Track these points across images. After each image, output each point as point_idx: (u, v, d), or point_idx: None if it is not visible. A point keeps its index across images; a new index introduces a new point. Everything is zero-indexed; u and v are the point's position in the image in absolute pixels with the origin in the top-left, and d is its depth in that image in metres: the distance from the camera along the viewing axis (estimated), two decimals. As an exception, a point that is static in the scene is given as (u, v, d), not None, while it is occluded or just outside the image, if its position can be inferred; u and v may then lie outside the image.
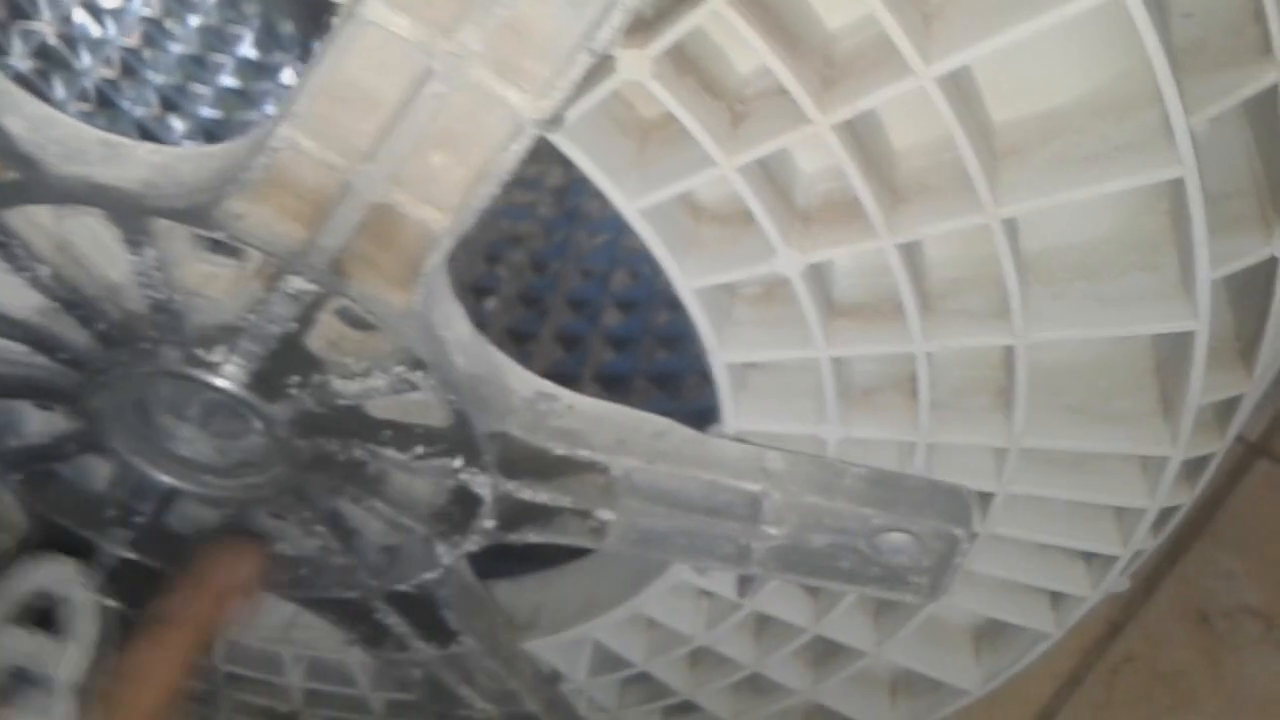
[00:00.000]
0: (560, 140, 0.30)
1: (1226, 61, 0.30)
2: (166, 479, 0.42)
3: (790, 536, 0.38)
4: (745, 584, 0.43)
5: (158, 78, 0.57)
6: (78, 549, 0.47)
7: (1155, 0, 0.29)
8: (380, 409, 0.39)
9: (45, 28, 0.55)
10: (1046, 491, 0.38)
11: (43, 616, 0.36)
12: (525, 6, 0.26)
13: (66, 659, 0.33)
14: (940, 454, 0.38)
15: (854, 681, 0.49)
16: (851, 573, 0.40)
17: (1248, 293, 0.36)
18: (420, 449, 0.39)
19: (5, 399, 0.41)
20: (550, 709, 0.52)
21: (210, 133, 0.58)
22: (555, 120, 0.28)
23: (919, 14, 0.28)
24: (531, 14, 0.26)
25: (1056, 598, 0.44)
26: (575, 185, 0.40)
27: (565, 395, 0.38)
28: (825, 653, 0.48)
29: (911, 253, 0.33)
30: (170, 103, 0.57)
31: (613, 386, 0.42)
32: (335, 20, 0.27)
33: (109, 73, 0.57)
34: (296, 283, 0.33)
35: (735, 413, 0.37)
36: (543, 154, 0.30)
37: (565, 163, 0.31)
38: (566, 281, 0.41)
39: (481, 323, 0.36)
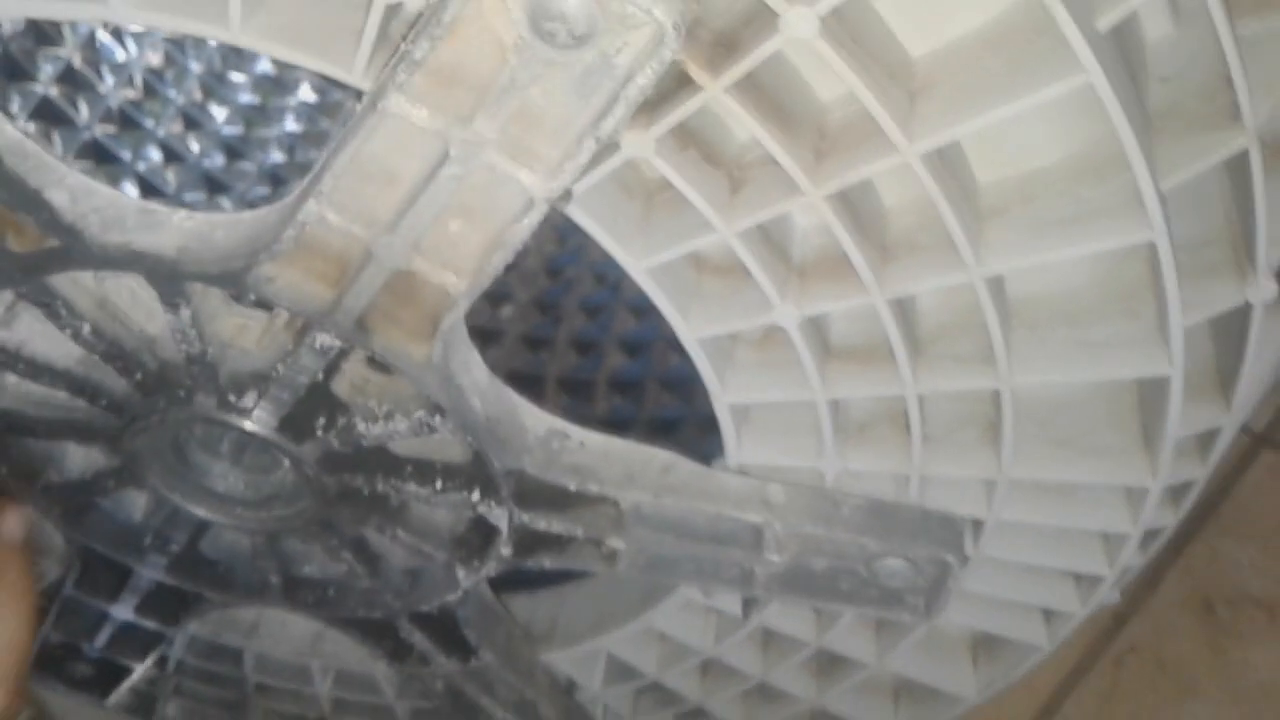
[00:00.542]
0: (570, 210, 0.32)
1: (1199, 126, 0.32)
2: (200, 512, 0.44)
3: (791, 562, 0.40)
4: (749, 605, 0.45)
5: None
6: (116, 574, 0.50)
7: (1128, 72, 0.31)
8: (403, 447, 0.41)
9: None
10: (1034, 518, 0.40)
11: None
12: (537, 97, 0.28)
13: None
14: (933, 484, 0.40)
15: (858, 690, 0.52)
16: (851, 594, 0.42)
17: (1228, 329, 0.38)
18: (440, 483, 0.41)
19: (49, 439, 0.43)
20: (567, 717, 0.54)
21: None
22: (565, 196, 0.31)
23: (904, 91, 0.30)
24: (542, 103, 0.28)
25: (1048, 614, 0.46)
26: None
27: (577, 433, 0.40)
28: (829, 664, 0.50)
29: (903, 303, 0.35)
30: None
31: (619, 422, 0.44)
32: (359, 108, 0.29)
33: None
34: (323, 339, 0.35)
35: (738, 447, 0.39)
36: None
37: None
38: (572, 323, 0.42)
39: (491, 365, 0.39)
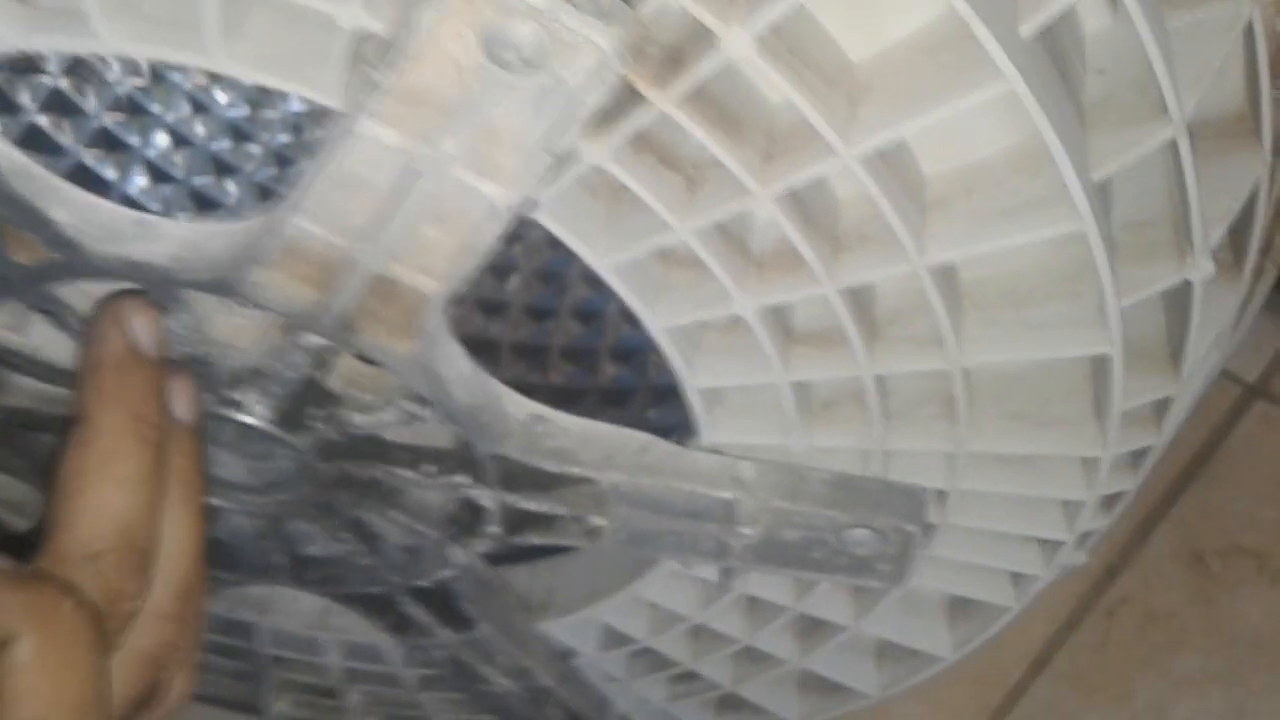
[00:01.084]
0: (536, 214, 0.34)
1: (1131, 118, 0.34)
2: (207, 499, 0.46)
3: (764, 534, 0.43)
4: (727, 575, 0.47)
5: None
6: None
7: (1060, 69, 0.33)
8: (395, 434, 0.43)
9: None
10: (994, 488, 0.43)
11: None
12: (496, 116, 0.30)
13: None
14: (896, 458, 0.42)
15: (840, 651, 0.54)
16: (823, 563, 0.44)
17: (1178, 302, 0.39)
18: (431, 468, 0.43)
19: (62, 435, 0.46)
20: (563, 681, 0.57)
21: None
22: (530, 203, 0.33)
23: (844, 96, 0.32)
24: (502, 121, 0.30)
25: (1015, 576, 0.48)
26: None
27: (558, 417, 0.42)
28: (810, 627, 0.53)
29: (857, 291, 0.37)
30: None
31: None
32: (335, 129, 0.31)
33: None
34: (310, 338, 0.38)
35: (710, 428, 0.42)
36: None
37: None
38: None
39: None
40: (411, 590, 0.51)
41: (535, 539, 0.46)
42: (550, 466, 0.42)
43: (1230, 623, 0.84)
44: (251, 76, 0.31)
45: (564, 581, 0.57)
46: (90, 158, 0.38)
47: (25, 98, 0.37)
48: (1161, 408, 0.43)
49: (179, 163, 0.38)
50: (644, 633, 0.55)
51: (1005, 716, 0.82)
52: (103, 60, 0.37)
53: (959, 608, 0.52)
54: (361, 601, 0.52)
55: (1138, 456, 0.45)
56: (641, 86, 0.30)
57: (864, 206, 0.36)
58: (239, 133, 0.39)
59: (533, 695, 0.58)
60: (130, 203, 0.38)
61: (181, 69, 0.37)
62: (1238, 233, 0.41)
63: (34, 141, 0.38)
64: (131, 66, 0.37)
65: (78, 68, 0.38)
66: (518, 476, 0.43)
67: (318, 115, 0.36)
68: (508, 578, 0.55)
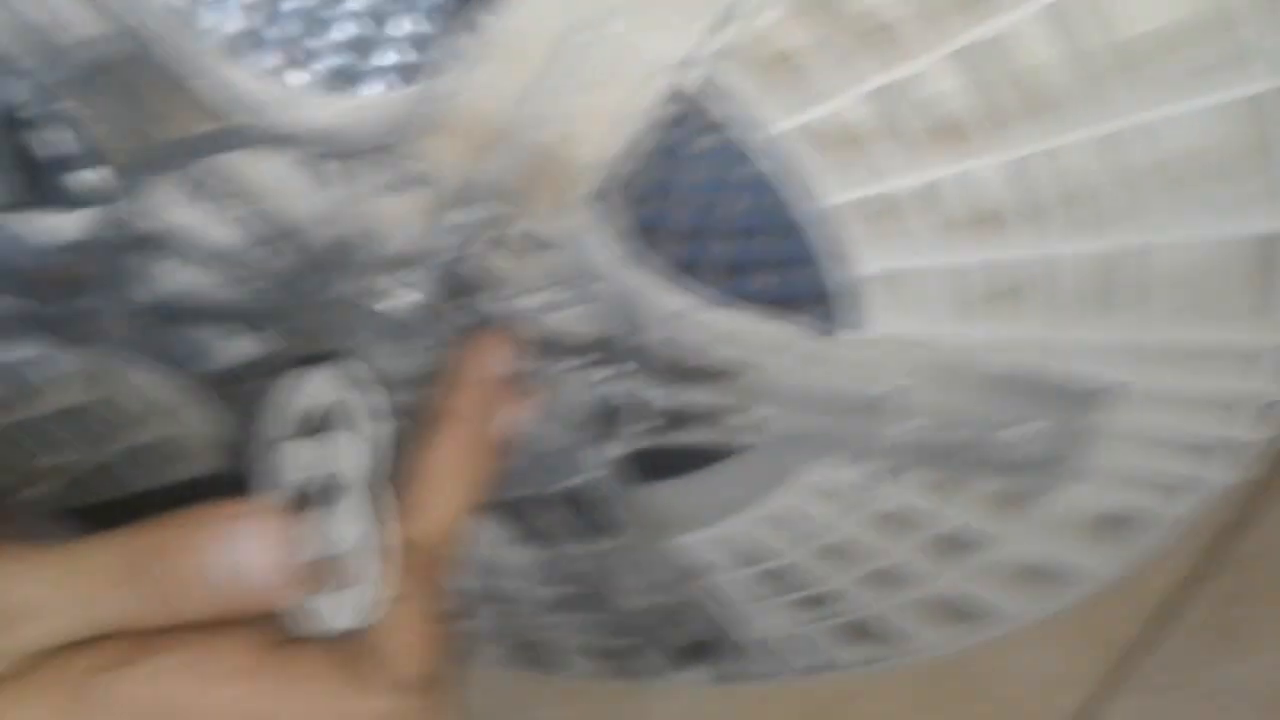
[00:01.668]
0: (695, 79, 0.33)
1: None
2: (352, 393, 0.46)
3: (920, 432, 0.41)
4: (877, 479, 0.46)
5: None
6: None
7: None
8: (540, 324, 0.43)
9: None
10: (1165, 384, 0.40)
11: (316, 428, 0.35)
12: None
13: (353, 459, 0.33)
14: (1063, 351, 0.40)
15: (980, 571, 0.52)
16: (979, 464, 0.43)
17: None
18: (574, 361, 0.43)
19: (205, 326, 0.46)
20: (701, 597, 0.56)
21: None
22: (691, 64, 0.32)
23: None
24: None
25: (1178, 487, 0.46)
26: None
27: (704, 310, 0.41)
28: (952, 544, 0.51)
29: (1029, 163, 0.35)
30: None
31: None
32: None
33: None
34: (467, 213, 0.37)
35: (869, 318, 0.40)
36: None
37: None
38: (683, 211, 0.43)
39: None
40: (553, 496, 0.50)
41: (681, 438, 0.45)
42: (698, 359, 0.41)
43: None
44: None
45: (695, 497, 0.56)
46: (246, 29, 0.38)
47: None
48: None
49: (333, 30, 0.38)
50: (780, 549, 0.54)
51: (1128, 666, 0.80)
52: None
53: (1110, 524, 0.50)
54: (499, 509, 0.52)
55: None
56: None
57: (1040, 71, 0.34)
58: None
59: (667, 613, 0.57)
60: (287, 73, 0.38)
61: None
62: None
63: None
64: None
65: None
66: (665, 368, 0.42)
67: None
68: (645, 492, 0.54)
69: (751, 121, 0.35)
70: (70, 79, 0.36)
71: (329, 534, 0.32)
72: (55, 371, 0.52)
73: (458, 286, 0.41)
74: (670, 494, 0.56)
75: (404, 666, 0.32)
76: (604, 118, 0.34)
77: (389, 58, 0.37)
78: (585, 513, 0.51)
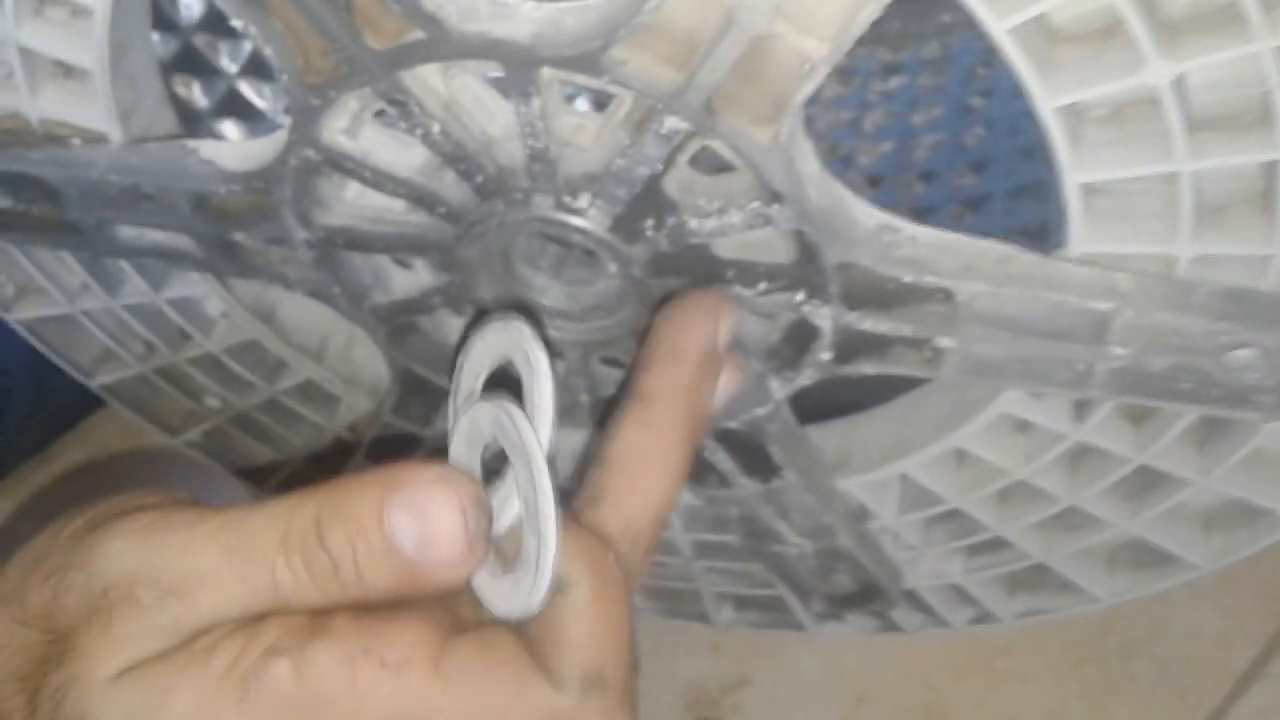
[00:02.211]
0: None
1: None
2: (525, 324, 0.45)
3: (1134, 357, 0.39)
4: (1082, 409, 0.44)
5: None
6: (432, 396, 0.52)
7: None
8: (725, 248, 0.41)
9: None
10: None
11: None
12: None
13: (537, 430, 0.28)
14: (1285, 269, 0.38)
15: (1170, 515, 0.50)
16: (1192, 393, 0.40)
17: None
18: (764, 285, 0.41)
19: (383, 254, 0.46)
20: (862, 543, 0.54)
21: None
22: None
23: None
24: None
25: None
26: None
27: (907, 226, 0.40)
28: (1144, 485, 0.49)
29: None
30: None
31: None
32: None
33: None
34: (671, 122, 0.36)
35: (1082, 235, 0.38)
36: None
37: None
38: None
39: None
40: (718, 433, 0.49)
41: (868, 368, 0.43)
42: (904, 276, 0.39)
43: None
44: None
45: (862, 438, 0.54)
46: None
47: None
48: None
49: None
50: (953, 492, 0.52)
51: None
52: None
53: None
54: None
55: None
56: None
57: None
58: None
59: (823, 560, 0.56)
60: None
61: None
62: None
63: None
64: None
65: None
66: (862, 291, 0.40)
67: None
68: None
69: (986, 11, 0.33)
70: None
71: (511, 506, 0.29)
72: (228, 306, 0.52)
73: (645, 207, 0.39)
74: (835, 434, 0.55)
75: (572, 664, 0.29)
76: (838, 7, 0.32)
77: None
78: (743, 453, 0.50)
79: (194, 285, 0.53)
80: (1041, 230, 0.38)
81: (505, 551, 0.29)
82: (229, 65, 0.69)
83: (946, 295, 0.39)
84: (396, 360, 0.50)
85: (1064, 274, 0.38)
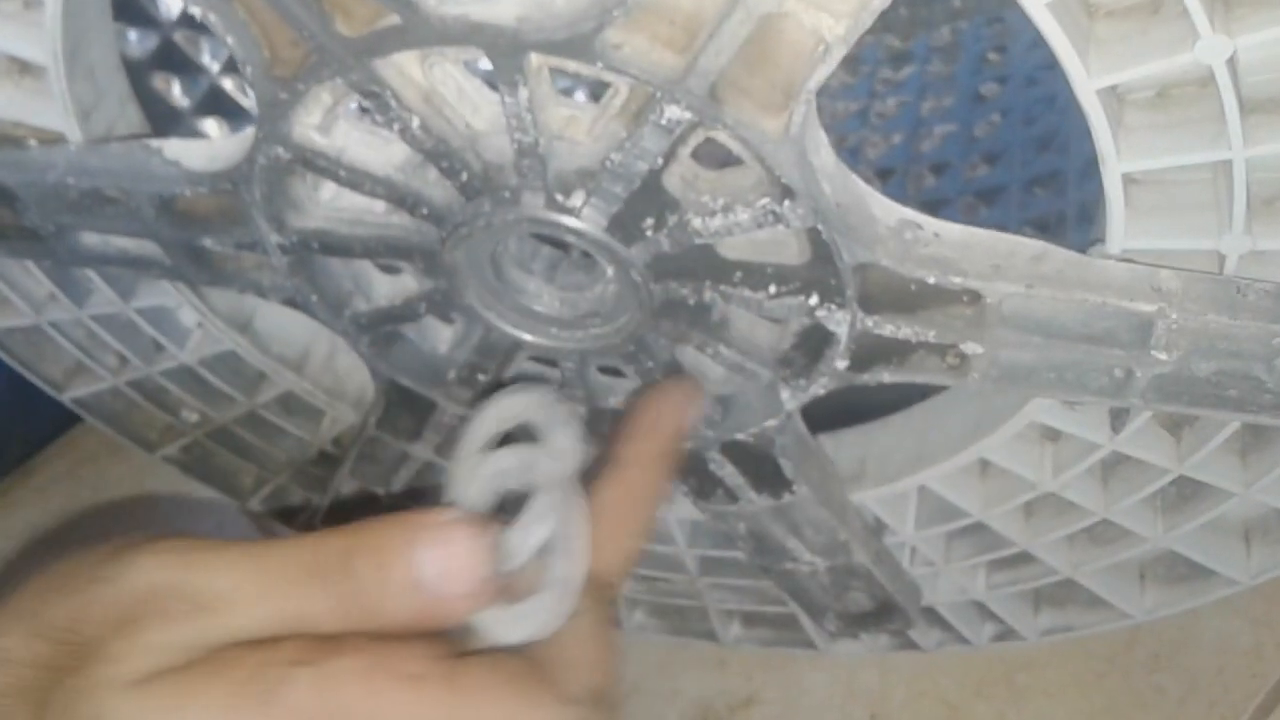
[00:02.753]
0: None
1: None
2: (517, 333, 0.42)
3: (1178, 363, 0.36)
4: (1119, 418, 0.41)
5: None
6: (420, 409, 0.49)
7: None
8: (731, 249, 0.38)
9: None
10: None
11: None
12: None
13: (547, 472, 0.33)
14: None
15: (1206, 528, 0.47)
16: (1240, 401, 0.37)
17: None
18: (774, 288, 0.38)
19: (364, 259, 0.42)
20: (878, 560, 0.51)
21: None
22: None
23: None
24: None
25: None
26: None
27: (930, 223, 0.36)
28: (1182, 496, 0.46)
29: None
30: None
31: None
32: None
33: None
34: (672, 111, 0.32)
35: (1122, 230, 0.35)
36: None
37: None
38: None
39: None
40: (725, 445, 0.45)
41: (887, 376, 0.40)
42: (928, 277, 0.36)
43: None
44: None
45: (878, 449, 0.51)
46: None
47: None
48: None
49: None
50: (977, 505, 0.49)
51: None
52: None
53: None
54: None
55: None
56: None
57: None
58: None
59: (837, 577, 0.52)
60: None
61: None
62: None
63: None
64: None
65: None
66: (881, 293, 0.37)
67: None
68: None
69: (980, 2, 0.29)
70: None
71: (523, 544, 0.32)
72: (203, 316, 0.49)
73: (644, 204, 0.36)
74: (850, 444, 0.52)
75: (577, 682, 0.32)
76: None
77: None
78: (753, 467, 0.47)
79: (166, 294, 0.49)
80: (1060, 223, 0.35)
81: (514, 586, 0.31)
82: (210, 62, 0.66)
83: (974, 297, 0.36)
84: (380, 372, 0.47)
85: (1103, 273, 0.35)
